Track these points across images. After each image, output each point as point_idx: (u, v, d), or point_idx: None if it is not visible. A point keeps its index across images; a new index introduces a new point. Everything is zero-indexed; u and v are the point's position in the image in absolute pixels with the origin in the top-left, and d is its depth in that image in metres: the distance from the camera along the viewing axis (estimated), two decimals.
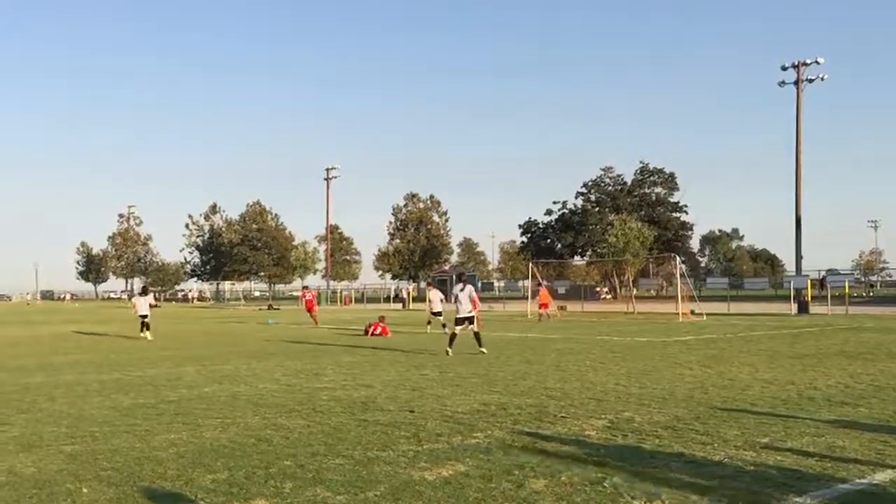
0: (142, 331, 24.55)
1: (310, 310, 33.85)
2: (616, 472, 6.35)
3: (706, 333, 24.01)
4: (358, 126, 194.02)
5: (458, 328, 17.45)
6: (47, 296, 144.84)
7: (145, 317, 24.93)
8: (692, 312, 35.51)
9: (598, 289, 76.71)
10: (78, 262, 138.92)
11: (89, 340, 24.78)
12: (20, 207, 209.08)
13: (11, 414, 9.65)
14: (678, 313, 34.44)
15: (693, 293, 41.26)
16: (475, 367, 14.68)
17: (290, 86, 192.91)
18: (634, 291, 52.77)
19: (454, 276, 18.07)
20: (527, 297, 45.10)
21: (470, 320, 17.31)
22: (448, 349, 16.97)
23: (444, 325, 23.71)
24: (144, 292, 27.42)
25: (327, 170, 77.75)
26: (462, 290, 17.34)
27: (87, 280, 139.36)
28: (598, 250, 73.54)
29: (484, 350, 17.11)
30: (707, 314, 34.72)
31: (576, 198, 79.40)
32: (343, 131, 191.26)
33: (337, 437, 7.95)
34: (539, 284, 40.55)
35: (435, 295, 25.99)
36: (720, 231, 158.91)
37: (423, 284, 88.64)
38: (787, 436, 7.77)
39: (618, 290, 70.06)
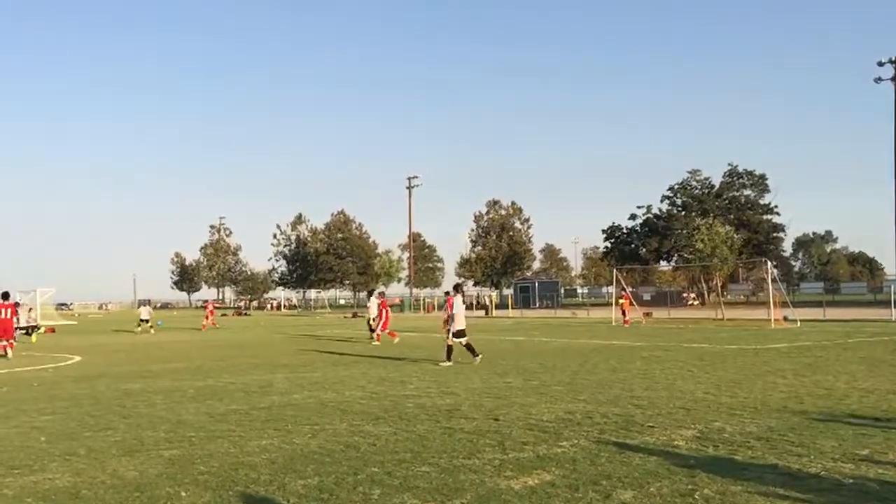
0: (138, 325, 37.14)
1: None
2: (707, 484, 6.21)
3: (800, 340, 23.17)
4: (440, 134, 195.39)
5: (459, 340, 17.32)
6: (143, 304, 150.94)
7: (147, 321, 38.26)
8: (785, 319, 34.34)
9: (684, 295, 75.01)
10: (172, 272, 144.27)
11: (181, 347, 25.72)
12: (120, 220, 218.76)
13: (114, 419, 10.10)
14: (770, 320, 33.34)
15: (786, 298, 39.88)
16: (560, 375, 14.58)
17: (373, 96, 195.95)
18: (723, 297, 51.32)
19: (453, 289, 18.19)
20: (611, 304, 44.49)
21: (461, 332, 17.33)
22: (448, 361, 16.96)
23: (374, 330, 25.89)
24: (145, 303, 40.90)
25: (409, 178, 78.69)
26: (462, 303, 17.71)
27: (181, 289, 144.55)
28: (685, 255, 72.04)
29: (449, 364, 16.85)
30: (801, 320, 33.51)
31: (661, 202, 78.04)
32: (425, 140, 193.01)
33: (423, 444, 8.03)
34: (623, 291, 39.99)
35: (373, 302, 27.08)
36: (814, 234, 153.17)
37: (506, 291, 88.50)
38: (889, 448, 7.44)
39: (706, 295, 68.36)
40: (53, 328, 43.52)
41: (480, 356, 17.08)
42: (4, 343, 22.26)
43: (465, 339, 17.38)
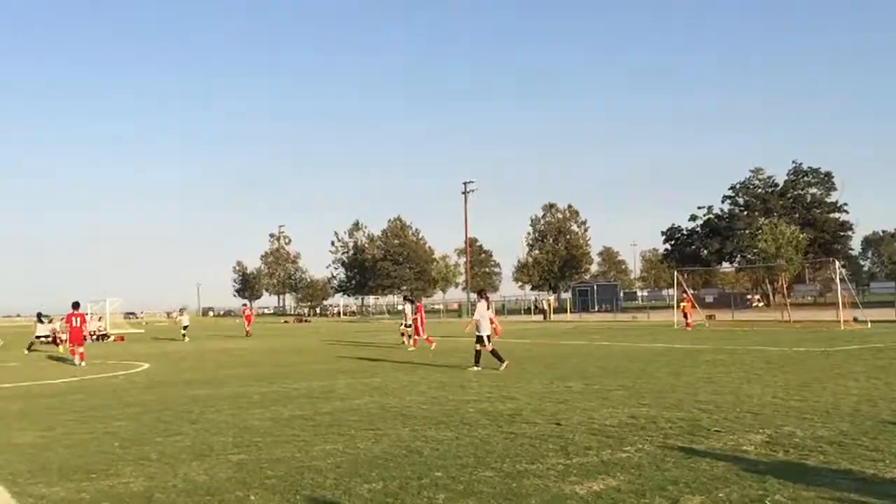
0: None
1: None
2: (778, 489, 6.07)
3: (871, 342, 22.46)
4: (495, 139, 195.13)
5: (489, 346, 17.28)
6: (206, 312, 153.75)
7: (187, 327, 40.68)
8: (855, 320, 33.34)
9: (748, 296, 73.48)
10: (234, 280, 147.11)
11: (244, 354, 26.21)
12: (185, 230, 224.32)
13: (183, 425, 10.36)
14: (839, 321, 32.40)
15: (855, 299, 38.71)
16: (622, 379, 14.43)
17: (426, 102, 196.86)
18: (789, 298, 50.03)
19: (477, 294, 18.27)
20: (672, 306, 43.80)
21: (488, 339, 17.28)
22: (476, 366, 16.95)
23: (409, 336, 26.57)
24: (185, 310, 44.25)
25: (465, 183, 78.69)
26: (488, 308, 17.54)
27: (242, 297, 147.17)
28: (748, 256, 70.46)
29: (478, 368, 16.85)
30: (872, 321, 32.47)
31: (722, 202, 76.47)
32: (480, 145, 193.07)
33: (485, 449, 8.03)
34: (684, 293, 39.33)
35: (409, 309, 27.37)
36: (883, 232, 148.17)
37: (564, 295, 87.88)
38: None
39: (771, 297, 66.71)
40: (122, 336, 44.83)
41: (480, 368, 16.87)
42: (81, 350, 23.12)
43: (490, 346, 17.31)
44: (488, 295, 18.66)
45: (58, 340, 33.21)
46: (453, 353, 23.13)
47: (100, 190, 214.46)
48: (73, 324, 23.53)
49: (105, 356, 26.94)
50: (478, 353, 17.25)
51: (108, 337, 43.01)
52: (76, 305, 24.19)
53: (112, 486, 6.86)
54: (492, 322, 17.45)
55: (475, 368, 16.85)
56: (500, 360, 16.95)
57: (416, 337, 25.99)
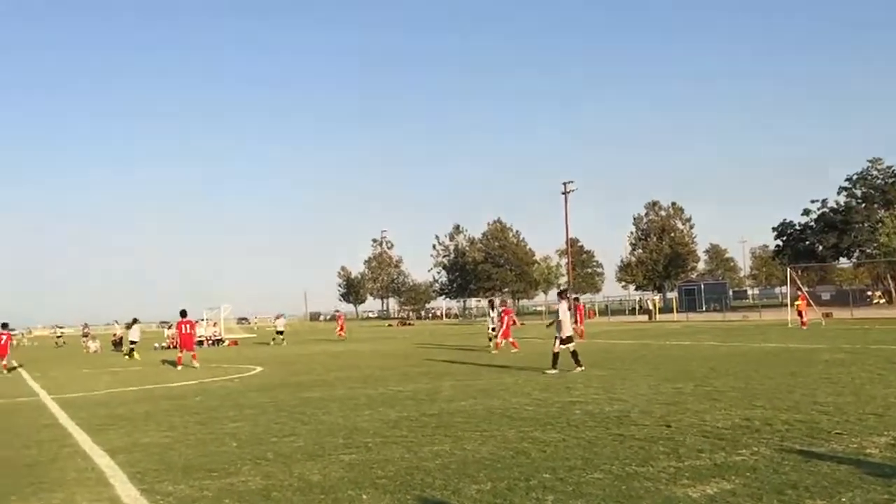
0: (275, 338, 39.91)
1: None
2: None
3: None
4: (595, 138, 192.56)
5: (564, 347, 17.05)
6: (314, 317, 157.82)
7: (281, 332, 41.63)
8: None
9: (868, 293, 69.79)
10: (339, 285, 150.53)
11: (351, 357, 26.79)
12: (291, 236, 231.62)
13: (296, 425, 10.71)
14: None
15: None
16: (733, 380, 13.99)
17: (525, 102, 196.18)
18: None
19: (558, 294, 18.23)
20: (785, 305, 42.09)
21: (570, 339, 17.16)
22: (553, 369, 16.77)
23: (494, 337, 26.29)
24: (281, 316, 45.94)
25: (565, 184, 77.95)
26: (569, 308, 17.50)
27: (347, 301, 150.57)
28: (868, 251, 66.96)
29: (555, 371, 16.61)
30: None
31: (838, 194, 72.83)
32: (580, 144, 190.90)
33: (593, 451, 7.96)
34: (799, 291, 37.73)
35: (495, 313, 27.57)
36: None
37: (670, 295, 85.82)
38: None
39: (893, 293, 63.20)
40: (236, 341, 46.59)
41: (557, 370, 16.64)
42: (193, 353, 24.71)
43: (573, 345, 17.16)
44: (570, 295, 18.52)
45: (172, 345, 35.08)
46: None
47: (214, 199, 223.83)
48: (184, 330, 25.36)
49: (220, 360, 28.10)
50: (555, 355, 17.13)
51: (223, 342, 44.82)
52: (184, 314, 25.73)
53: (232, 484, 7.17)
54: (575, 323, 17.25)
55: (552, 371, 16.71)
56: (578, 363, 16.83)
57: (498, 340, 26.01)
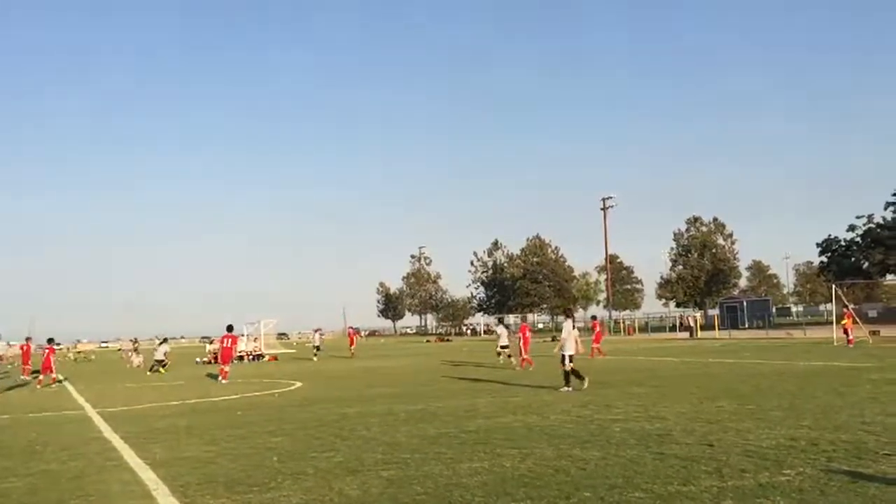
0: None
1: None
2: None
3: None
4: (634, 152, 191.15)
5: (569, 366, 17.13)
6: (316, 331, 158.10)
7: (319, 347, 41.67)
8: None
9: None
10: (378, 301, 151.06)
11: (389, 373, 26.86)
12: (331, 252, 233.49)
13: (335, 441, 10.76)
14: None
15: None
16: (777, 399, 13.73)
17: (564, 117, 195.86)
18: None
19: (563, 313, 18.86)
20: (830, 322, 41.22)
21: (570, 358, 17.19)
22: (567, 387, 16.82)
23: (510, 356, 27.22)
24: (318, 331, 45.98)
25: (604, 199, 77.57)
26: (574, 327, 17.56)
27: (386, 317, 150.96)
28: None
29: (572, 388, 16.70)
30: None
31: (885, 209, 71.22)
32: (619, 159, 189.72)
33: (634, 469, 7.87)
34: (844, 308, 36.96)
35: (502, 330, 30.48)
36: None
37: (711, 311, 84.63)
38: None
39: None
40: (276, 356, 46.96)
41: (571, 388, 16.66)
42: (226, 369, 25.54)
43: (571, 364, 17.13)
44: (574, 314, 18.87)
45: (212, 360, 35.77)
46: (587, 371, 22.76)
47: (250, 212, 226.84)
48: (225, 344, 26.22)
49: (261, 375, 28.37)
50: (566, 373, 17.16)
51: (263, 357, 45.24)
52: (230, 328, 26.45)
53: (273, 499, 7.23)
54: (575, 341, 17.43)
55: (566, 389, 16.72)
56: (580, 377, 16.95)
57: (526, 356, 26.14)
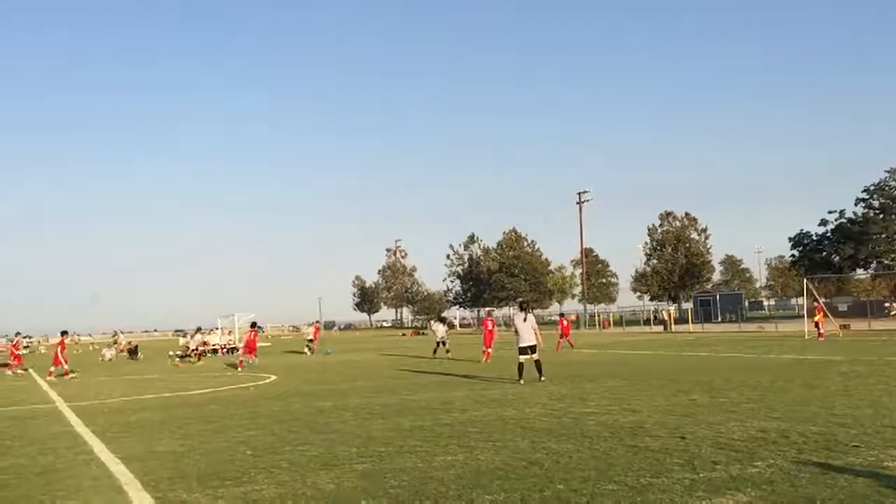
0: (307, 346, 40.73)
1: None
2: None
3: None
4: (609, 147, 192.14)
5: (523, 357, 17.28)
6: (329, 327, 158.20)
7: (312, 340, 41.69)
8: None
9: (886, 304, 69.12)
10: (354, 294, 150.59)
11: (362, 366, 26.81)
12: (306, 245, 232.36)
13: (310, 435, 10.72)
14: None
15: None
16: (749, 392, 13.88)
17: (541, 110, 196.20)
18: None
19: (517, 305, 19.15)
20: (801, 316, 41.75)
21: (532, 349, 17.28)
22: (520, 380, 17.04)
23: (447, 351, 29.65)
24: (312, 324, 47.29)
25: (579, 193, 77.84)
26: (524, 320, 17.46)
27: (361, 311, 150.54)
28: (885, 262, 66.40)
29: (543, 379, 16.95)
30: None
31: (855, 205, 72.26)
32: (595, 153, 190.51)
33: (607, 462, 7.91)
34: (815, 302, 37.46)
35: (437, 326, 32.67)
36: None
37: (685, 305, 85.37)
38: None
39: None
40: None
41: (523, 381, 16.89)
42: (242, 358, 28.39)
43: (527, 357, 17.27)
44: (529, 307, 19.11)
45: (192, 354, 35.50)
46: (566, 366, 22.89)
47: (226, 207, 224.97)
48: (250, 336, 29.97)
49: (235, 368, 28.17)
50: (521, 365, 17.28)
51: (237, 350, 44.94)
52: (254, 325, 32.32)
53: (246, 493, 7.18)
54: (534, 332, 17.47)
55: (520, 382, 16.93)
56: (521, 376, 17.16)
57: (488, 350, 26.42)
